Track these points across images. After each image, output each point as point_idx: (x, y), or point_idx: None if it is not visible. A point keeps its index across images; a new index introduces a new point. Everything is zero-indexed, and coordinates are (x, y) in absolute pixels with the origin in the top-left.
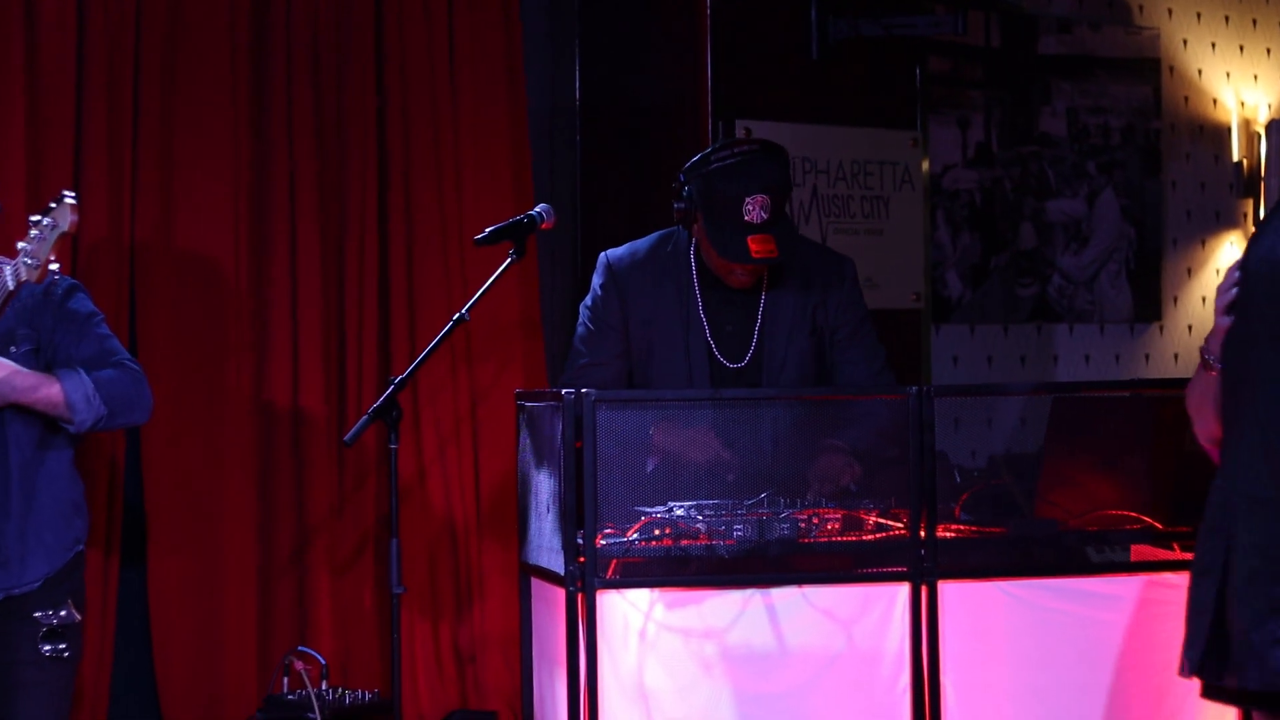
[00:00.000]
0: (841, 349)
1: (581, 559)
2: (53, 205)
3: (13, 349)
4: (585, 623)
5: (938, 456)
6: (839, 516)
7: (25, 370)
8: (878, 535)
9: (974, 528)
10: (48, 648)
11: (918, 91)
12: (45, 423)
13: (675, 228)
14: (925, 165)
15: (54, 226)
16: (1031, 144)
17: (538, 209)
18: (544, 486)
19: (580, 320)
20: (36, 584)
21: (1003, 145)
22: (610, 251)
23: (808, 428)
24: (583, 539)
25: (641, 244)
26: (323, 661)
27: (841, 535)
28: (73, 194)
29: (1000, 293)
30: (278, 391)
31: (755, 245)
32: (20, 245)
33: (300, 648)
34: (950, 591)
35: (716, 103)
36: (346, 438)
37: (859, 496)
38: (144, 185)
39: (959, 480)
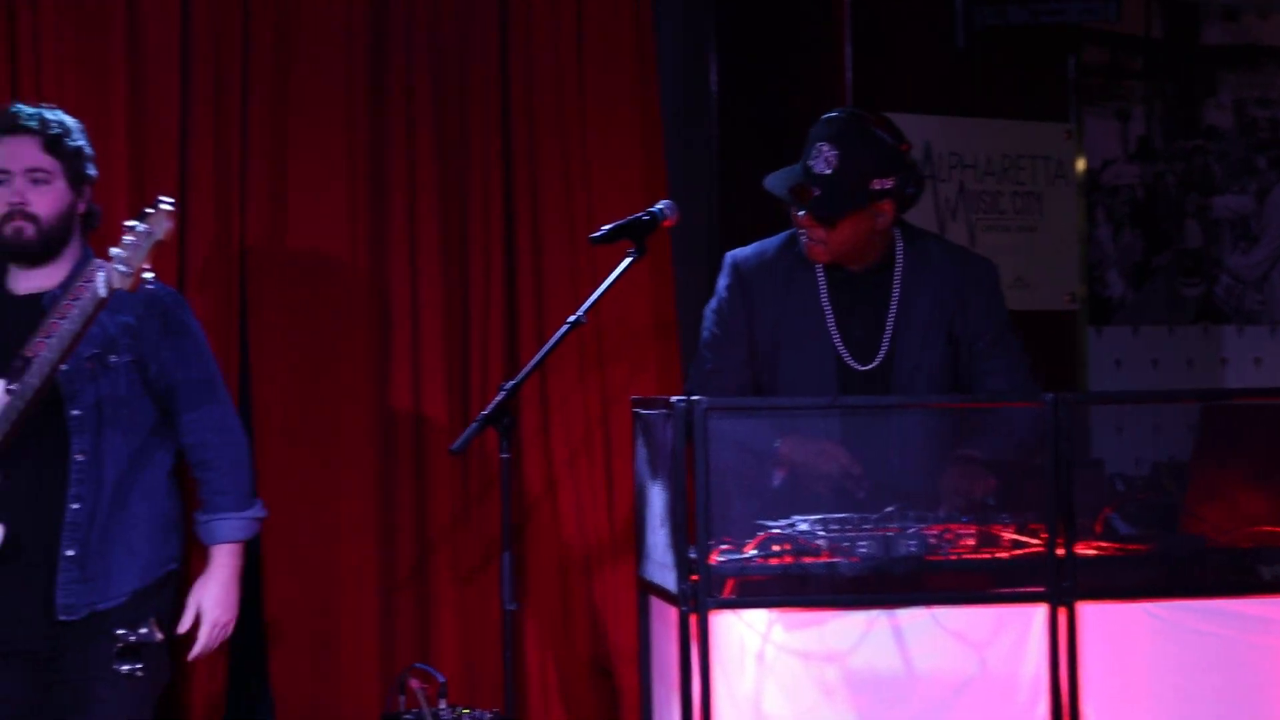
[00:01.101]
0: (981, 359)
1: (695, 577)
2: (149, 211)
3: (113, 358)
4: (699, 645)
5: (1093, 465)
6: (973, 532)
7: (220, 583)
8: (1013, 553)
9: (1116, 544)
10: (123, 666)
11: (1071, 82)
12: (145, 435)
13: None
14: (1081, 159)
15: (149, 234)
16: (1196, 138)
17: (659, 205)
18: (658, 499)
19: (705, 324)
20: (122, 599)
21: (1165, 139)
22: (736, 252)
23: (938, 437)
24: (697, 555)
25: (770, 243)
26: (441, 679)
27: (975, 552)
28: (170, 201)
29: (1164, 293)
30: (398, 398)
31: (798, 187)
32: (114, 251)
33: (418, 664)
34: (1090, 613)
35: (857, 95)
36: (454, 446)
37: (995, 511)
38: (253, 185)
39: (1121, 489)
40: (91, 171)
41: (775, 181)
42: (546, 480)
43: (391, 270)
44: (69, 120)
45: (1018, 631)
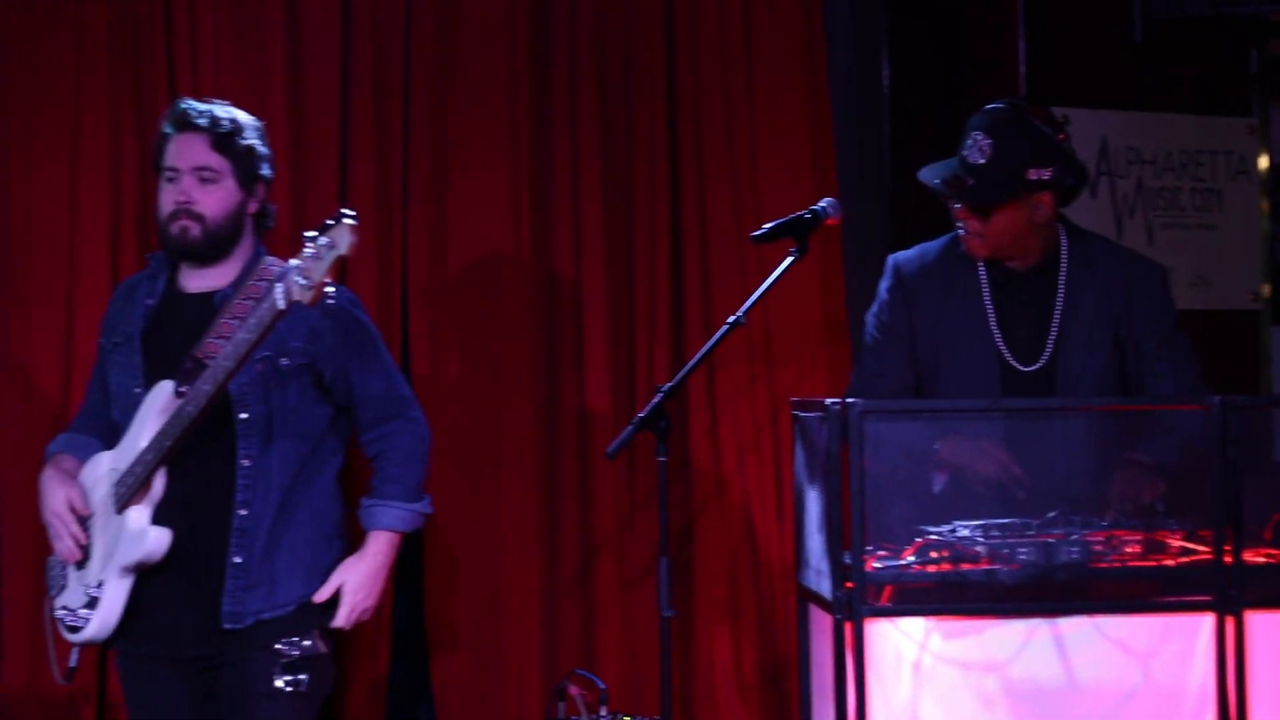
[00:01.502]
0: (1150, 362)
1: (849, 584)
2: (330, 223)
3: (285, 362)
4: (854, 653)
5: (1273, 470)
6: (1138, 539)
7: (369, 568)
8: (1180, 560)
9: None
10: (286, 680)
11: (1255, 76)
12: (316, 439)
13: None
14: (1265, 155)
15: (332, 247)
16: None
17: (822, 204)
18: (814, 504)
19: (867, 328)
20: (289, 608)
21: None
22: (898, 255)
23: (1103, 441)
24: (852, 561)
25: (932, 246)
26: (602, 686)
27: (1139, 559)
28: (353, 214)
29: None
30: (562, 398)
31: (952, 178)
32: (293, 263)
33: (579, 670)
34: (1259, 623)
35: (1031, 91)
36: (609, 450)
37: (1162, 517)
38: (415, 185)
39: None
40: (265, 171)
41: (929, 173)
42: (715, 483)
43: (555, 269)
44: (242, 117)
45: (1184, 641)
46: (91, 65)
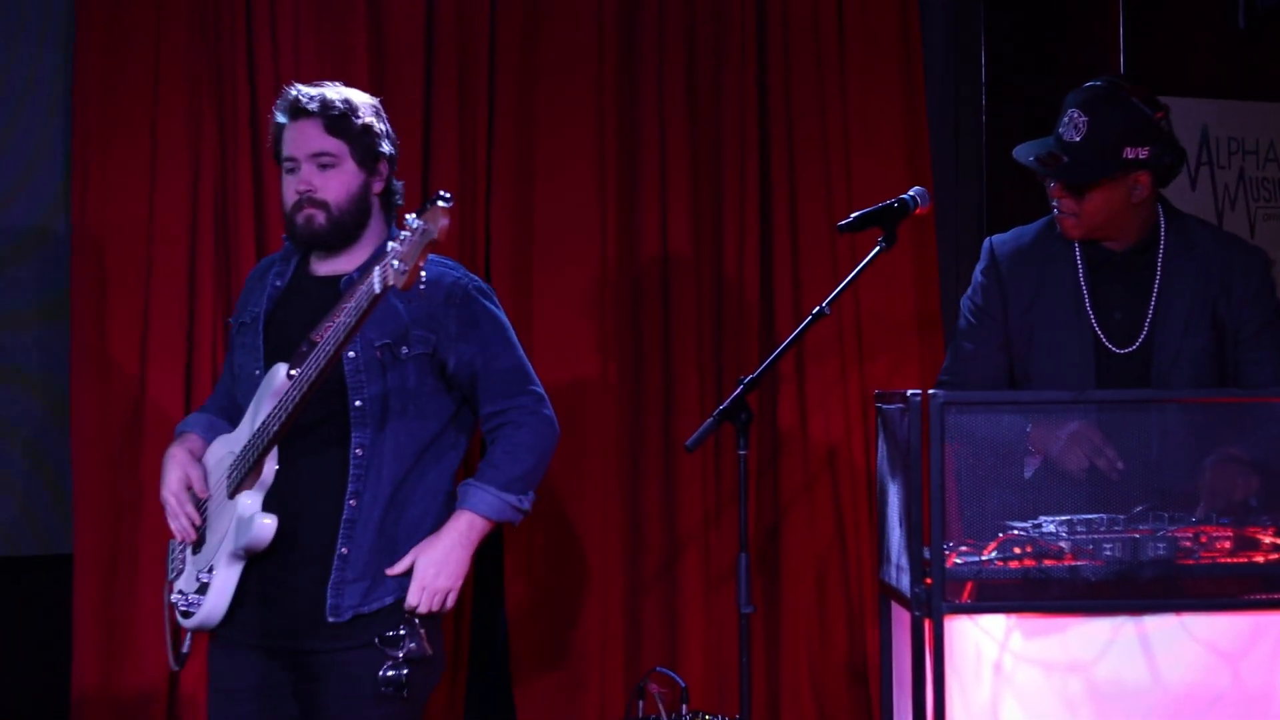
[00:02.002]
0: (1246, 348)
1: (929, 580)
2: (426, 205)
3: (404, 350)
4: (933, 652)
5: None
6: (1229, 535)
7: (444, 545)
8: (1270, 557)
9: None
10: (388, 680)
11: None
12: (435, 432)
13: None
14: None
15: (425, 232)
16: None
17: (911, 192)
18: (895, 498)
19: (961, 311)
20: (390, 599)
21: None
22: (994, 237)
23: (1196, 433)
24: (932, 557)
25: (1029, 228)
26: (682, 684)
27: (1230, 556)
28: (448, 196)
29: None
30: (647, 390)
31: (1047, 156)
32: (390, 246)
33: (660, 669)
34: None
35: (1131, 76)
36: (689, 442)
37: (1255, 513)
38: (499, 172)
39: None
40: (385, 148)
41: (1024, 151)
42: (805, 479)
43: (642, 257)
44: (356, 97)
45: (1274, 641)
46: (171, 55)
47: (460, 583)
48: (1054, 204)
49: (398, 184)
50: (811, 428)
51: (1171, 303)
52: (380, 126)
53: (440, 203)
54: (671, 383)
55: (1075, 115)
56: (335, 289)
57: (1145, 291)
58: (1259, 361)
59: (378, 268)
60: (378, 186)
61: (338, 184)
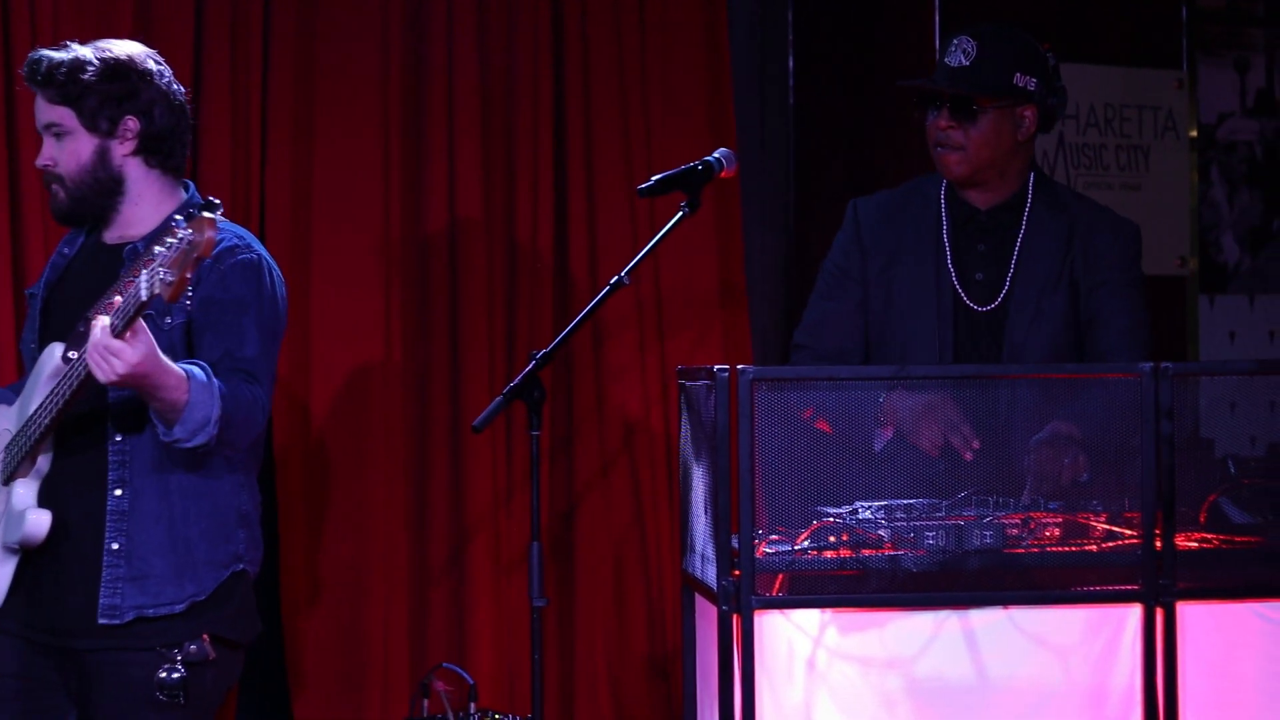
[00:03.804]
0: (1099, 298)
1: (736, 572)
2: (193, 212)
3: (167, 320)
4: (741, 650)
5: (1203, 445)
6: (1059, 522)
7: (170, 368)
8: (1105, 545)
9: (1222, 537)
10: (167, 688)
11: (1184, 28)
12: None
13: (929, 174)
14: (1194, 112)
15: (192, 244)
16: None
17: (715, 154)
18: (700, 482)
19: (820, 272)
20: (179, 606)
21: None
22: (859, 198)
23: (1026, 410)
24: (740, 547)
25: (891, 191)
26: (470, 681)
27: (1060, 545)
28: (217, 203)
29: None
30: (434, 366)
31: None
32: (157, 250)
33: (446, 664)
34: (1192, 615)
35: (945, 35)
36: (476, 423)
37: (1086, 497)
38: (275, 133)
39: (1234, 472)
40: (127, 102)
41: (909, 82)
42: (601, 461)
43: (428, 227)
44: (85, 53)
45: (1109, 635)
46: None
47: (117, 377)
48: (937, 141)
49: (160, 126)
50: (608, 406)
51: (1034, 263)
52: (112, 82)
53: (207, 212)
54: (459, 358)
55: (963, 41)
56: (119, 259)
57: (1008, 250)
58: (1101, 320)
59: (145, 272)
60: (125, 148)
61: (68, 155)
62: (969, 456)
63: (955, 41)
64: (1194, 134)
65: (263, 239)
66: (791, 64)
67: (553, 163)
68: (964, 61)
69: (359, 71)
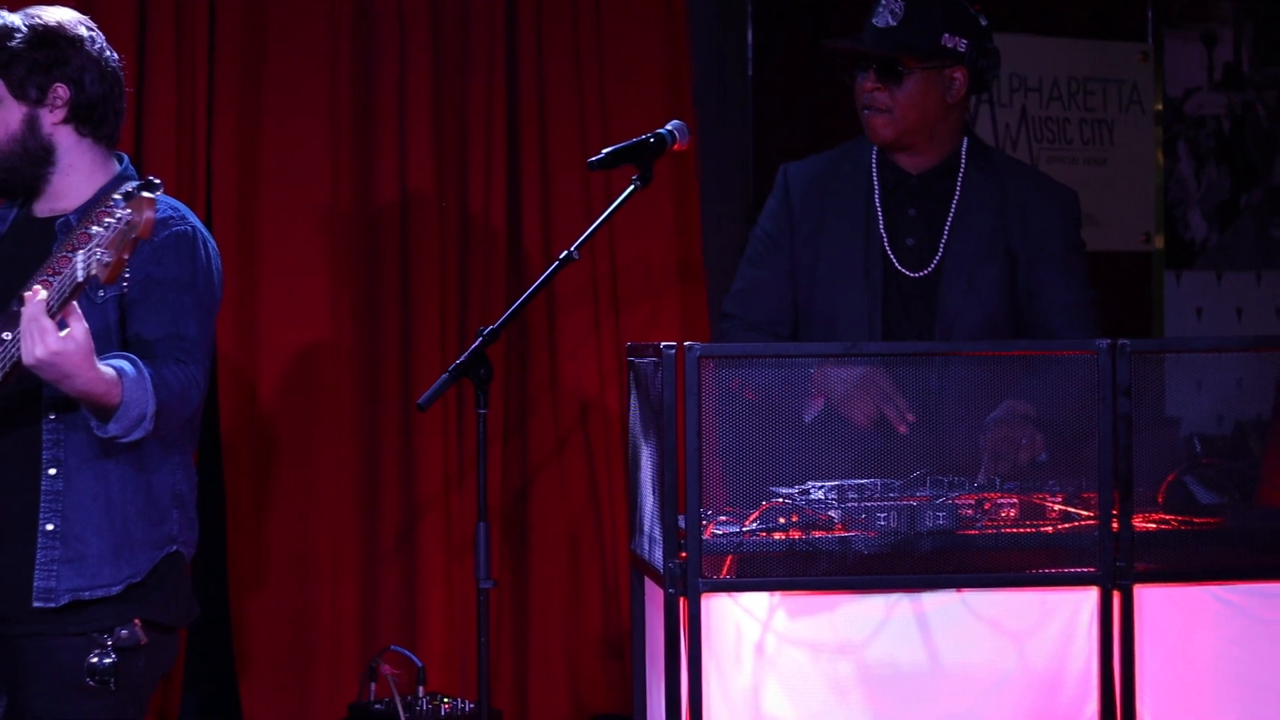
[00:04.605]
0: (1036, 277)
1: (684, 554)
2: (131, 191)
3: (100, 294)
4: (688, 634)
5: (1168, 423)
6: (1014, 502)
7: (102, 375)
8: (1061, 527)
9: (1180, 518)
10: (94, 668)
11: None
12: None
13: (861, 138)
14: (1160, 85)
15: (130, 224)
16: None
17: (668, 126)
18: (648, 461)
19: (750, 240)
20: (115, 588)
21: (1256, 65)
22: (789, 163)
23: (978, 386)
24: (687, 528)
25: (823, 155)
26: (419, 664)
27: (1015, 526)
28: (158, 183)
29: (1253, 235)
30: (384, 348)
31: (859, 44)
32: (94, 230)
33: (394, 647)
34: (1150, 598)
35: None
36: (420, 400)
37: (1042, 477)
38: (221, 110)
39: (1199, 451)
40: (51, 70)
41: (834, 40)
42: (556, 440)
43: (378, 204)
44: (14, 20)
45: (1065, 619)
46: None
47: (38, 359)
48: (864, 104)
49: (91, 94)
50: (563, 383)
51: (968, 229)
52: (39, 48)
53: (146, 192)
54: (410, 336)
55: (891, 2)
56: (51, 233)
57: (941, 217)
58: (1043, 293)
59: (82, 252)
60: (55, 116)
61: None
62: (903, 429)
63: (883, 2)
64: (1159, 108)
65: (209, 217)
66: (751, 37)
67: (506, 138)
68: (891, 22)
69: (308, 46)
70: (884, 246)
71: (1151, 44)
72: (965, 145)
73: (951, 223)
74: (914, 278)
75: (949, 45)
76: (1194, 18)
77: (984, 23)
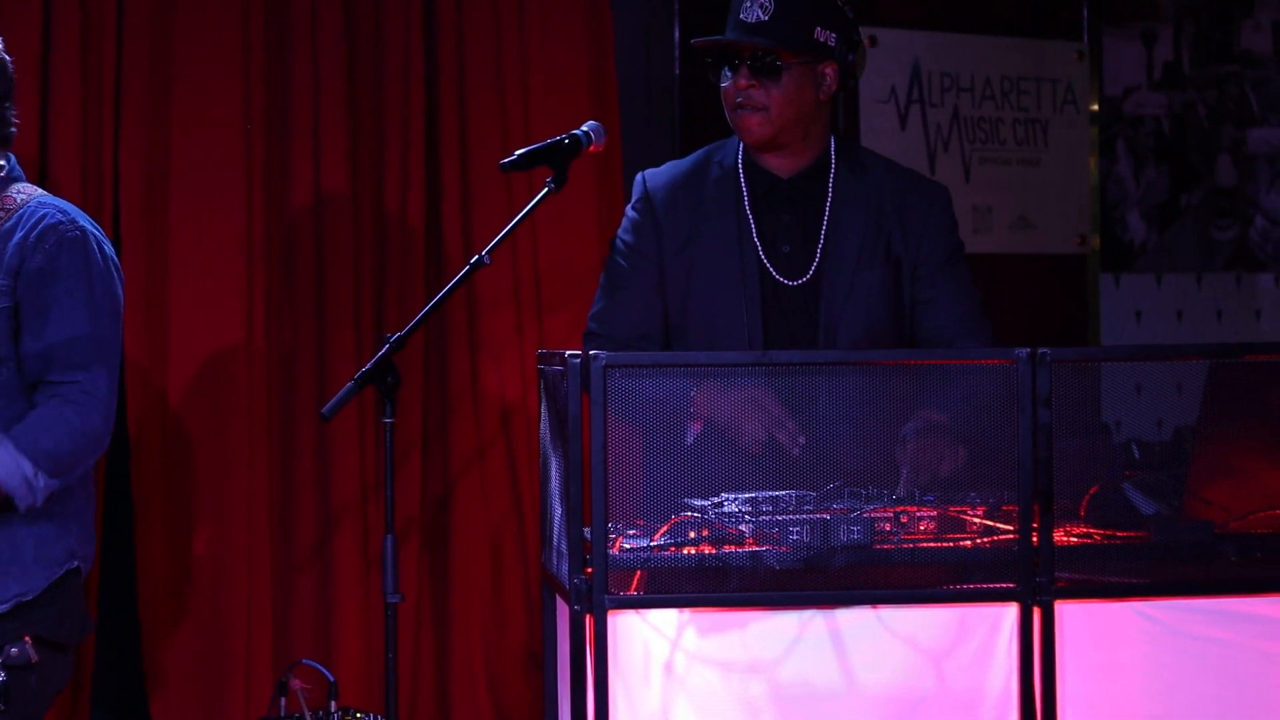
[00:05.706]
0: (923, 285)
1: (589, 570)
2: None
3: None
4: (594, 652)
5: (1102, 430)
6: (932, 516)
7: None
8: (979, 541)
9: (1103, 532)
10: None
11: None
12: (30, 399)
13: (725, 140)
14: (1095, 85)
15: None
16: (1230, 63)
17: (584, 127)
18: (556, 473)
19: (611, 252)
20: (5, 606)
21: (1196, 64)
22: (647, 170)
23: (888, 396)
24: (593, 542)
25: (685, 160)
26: (331, 678)
27: (932, 541)
28: None
29: (1192, 237)
30: (299, 349)
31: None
32: None
33: (305, 661)
34: (1071, 614)
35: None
36: (325, 409)
37: (961, 490)
38: (129, 107)
39: (1138, 457)
40: None
41: (703, 38)
42: (477, 447)
43: (292, 206)
44: None
45: (983, 636)
46: None
47: None
48: (737, 103)
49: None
50: (485, 388)
51: (844, 234)
52: None
53: None
54: (325, 340)
55: None
56: None
57: (815, 221)
58: (934, 301)
59: None
60: None
61: None
62: (796, 452)
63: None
64: (1095, 108)
65: (116, 219)
66: (678, 34)
67: (424, 140)
68: (762, 16)
69: (218, 45)
70: (759, 255)
71: (1088, 43)
72: (833, 145)
73: (827, 227)
74: (792, 286)
75: (821, 39)
76: (1133, 16)
77: (851, 15)
